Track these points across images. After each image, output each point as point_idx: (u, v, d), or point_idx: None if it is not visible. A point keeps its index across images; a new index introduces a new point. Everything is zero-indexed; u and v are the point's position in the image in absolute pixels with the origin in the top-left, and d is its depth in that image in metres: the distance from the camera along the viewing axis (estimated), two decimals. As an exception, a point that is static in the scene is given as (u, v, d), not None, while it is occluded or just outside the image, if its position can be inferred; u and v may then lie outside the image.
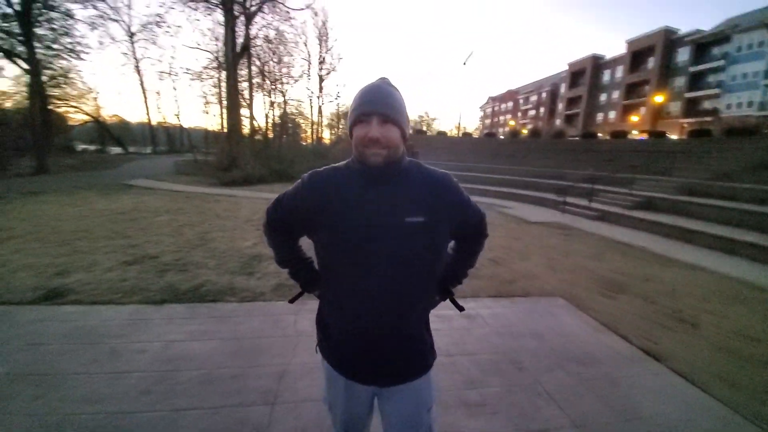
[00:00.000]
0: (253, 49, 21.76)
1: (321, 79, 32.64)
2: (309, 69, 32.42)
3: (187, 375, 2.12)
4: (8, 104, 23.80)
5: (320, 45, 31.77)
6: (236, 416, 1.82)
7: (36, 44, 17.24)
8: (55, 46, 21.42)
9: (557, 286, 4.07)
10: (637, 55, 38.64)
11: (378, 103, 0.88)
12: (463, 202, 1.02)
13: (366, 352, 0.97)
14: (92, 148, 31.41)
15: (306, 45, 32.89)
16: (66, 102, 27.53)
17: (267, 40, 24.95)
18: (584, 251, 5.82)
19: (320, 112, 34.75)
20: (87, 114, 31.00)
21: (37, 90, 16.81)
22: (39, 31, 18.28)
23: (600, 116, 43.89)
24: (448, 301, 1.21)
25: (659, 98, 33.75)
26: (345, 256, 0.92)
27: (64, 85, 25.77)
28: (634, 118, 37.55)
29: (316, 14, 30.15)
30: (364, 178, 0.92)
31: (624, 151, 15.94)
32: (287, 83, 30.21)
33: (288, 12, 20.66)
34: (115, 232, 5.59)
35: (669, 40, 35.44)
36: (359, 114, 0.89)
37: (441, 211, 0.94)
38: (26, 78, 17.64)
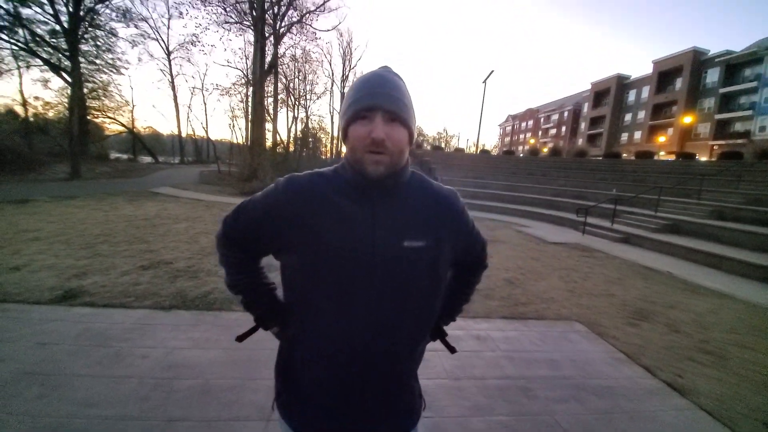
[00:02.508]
0: (279, 67, 22.63)
1: (343, 96, 33.53)
2: (332, 86, 33.44)
3: (186, 384, 2.10)
4: (50, 114, 25.52)
5: (344, 64, 32.83)
6: (229, 430, 1.77)
7: (80, 59, 18.51)
8: (97, 61, 23.11)
9: (575, 311, 3.88)
10: (664, 75, 37.85)
11: (383, 96, 0.72)
12: (468, 226, 0.89)
13: (346, 408, 0.78)
14: (125, 156, 32.97)
15: (330, 64, 33.95)
16: (104, 113, 29.24)
17: (293, 58, 26.04)
18: (605, 274, 5.56)
19: (341, 127, 35.54)
20: (122, 125, 32.76)
21: (77, 101, 17.88)
22: (83, 47, 19.71)
23: (624, 136, 42.89)
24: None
25: (688, 119, 32.71)
26: (326, 285, 0.74)
27: (102, 98, 27.53)
28: (661, 139, 36.47)
29: (341, 35, 31.34)
30: (358, 190, 0.76)
31: (650, 172, 15.43)
32: (310, 99, 31.21)
33: (315, 33, 21.53)
34: (136, 237, 5.76)
35: (698, 60, 34.61)
36: (359, 108, 0.72)
37: (445, 235, 0.80)
38: (68, 90, 18.86)
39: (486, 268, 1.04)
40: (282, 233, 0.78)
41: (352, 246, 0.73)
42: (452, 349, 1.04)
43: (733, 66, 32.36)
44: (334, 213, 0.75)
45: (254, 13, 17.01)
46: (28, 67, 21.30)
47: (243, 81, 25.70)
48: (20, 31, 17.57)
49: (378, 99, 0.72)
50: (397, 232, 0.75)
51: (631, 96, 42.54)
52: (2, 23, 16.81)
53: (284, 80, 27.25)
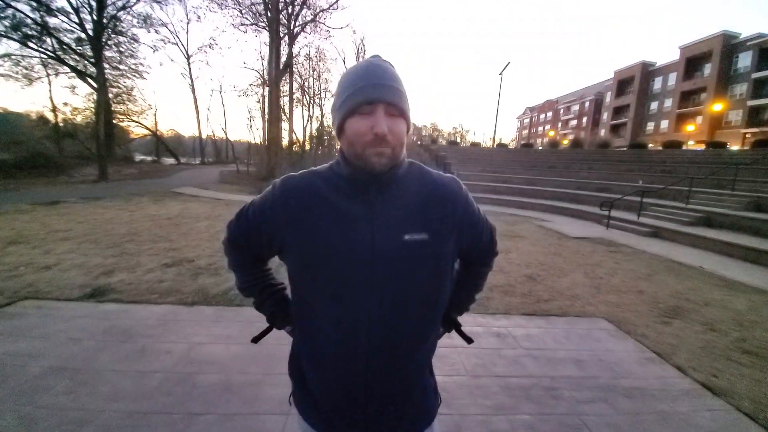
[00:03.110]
0: (294, 66, 22.86)
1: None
2: (346, 83, 33.59)
3: (208, 378, 2.13)
4: (78, 119, 26.66)
5: (357, 60, 32.89)
6: (249, 424, 1.78)
7: (104, 65, 19.18)
8: (121, 66, 23.95)
9: (601, 308, 3.73)
10: (692, 61, 36.02)
11: (384, 89, 0.67)
12: (474, 216, 0.84)
13: (354, 408, 0.77)
14: (149, 158, 34.14)
15: (344, 61, 34.13)
16: (128, 117, 30.31)
17: (308, 57, 26.28)
18: (633, 270, 5.34)
19: (335, 123, 35.93)
20: (146, 128, 33.93)
21: (103, 106, 18.54)
22: (107, 53, 20.42)
23: (650, 126, 41.15)
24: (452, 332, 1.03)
25: (718, 106, 31.02)
26: (325, 284, 0.73)
27: (127, 102, 28.53)
28: (690, 128, 34.78)
29: (354, 32, 31.41)
30: (354, 186, 0.74)
31: (679, 163, 14.75)
32: (325, 97, 31.42)
33: (328, 31, 21.59)
34: (159, 236, 5.93)
35: (728, 44, 32.70)
36: (360, 102, 0.67)
37: (448, 225, 0.77)
38: (94, 96, 19.60)
39: (497, 255, 0.99)
40: (280, 234, 0.77)
41: (351, 244, 0.71)
42: (468, 339, 1.04)
43: (767, 50, 30.43)
44: (329, 211, 0.73)
45: (269, 14, 17.21)
46: (56, 74, 22.33)
47: (259, 82, 26.13)
48: (48, 40, 18.34)
49: (379, 92, 0.67)
50: (397, 226, 0.72)
51: (657, 84, 40.69)
52: (31, 33, 17.57)
53: (299, 79, 27.61)
